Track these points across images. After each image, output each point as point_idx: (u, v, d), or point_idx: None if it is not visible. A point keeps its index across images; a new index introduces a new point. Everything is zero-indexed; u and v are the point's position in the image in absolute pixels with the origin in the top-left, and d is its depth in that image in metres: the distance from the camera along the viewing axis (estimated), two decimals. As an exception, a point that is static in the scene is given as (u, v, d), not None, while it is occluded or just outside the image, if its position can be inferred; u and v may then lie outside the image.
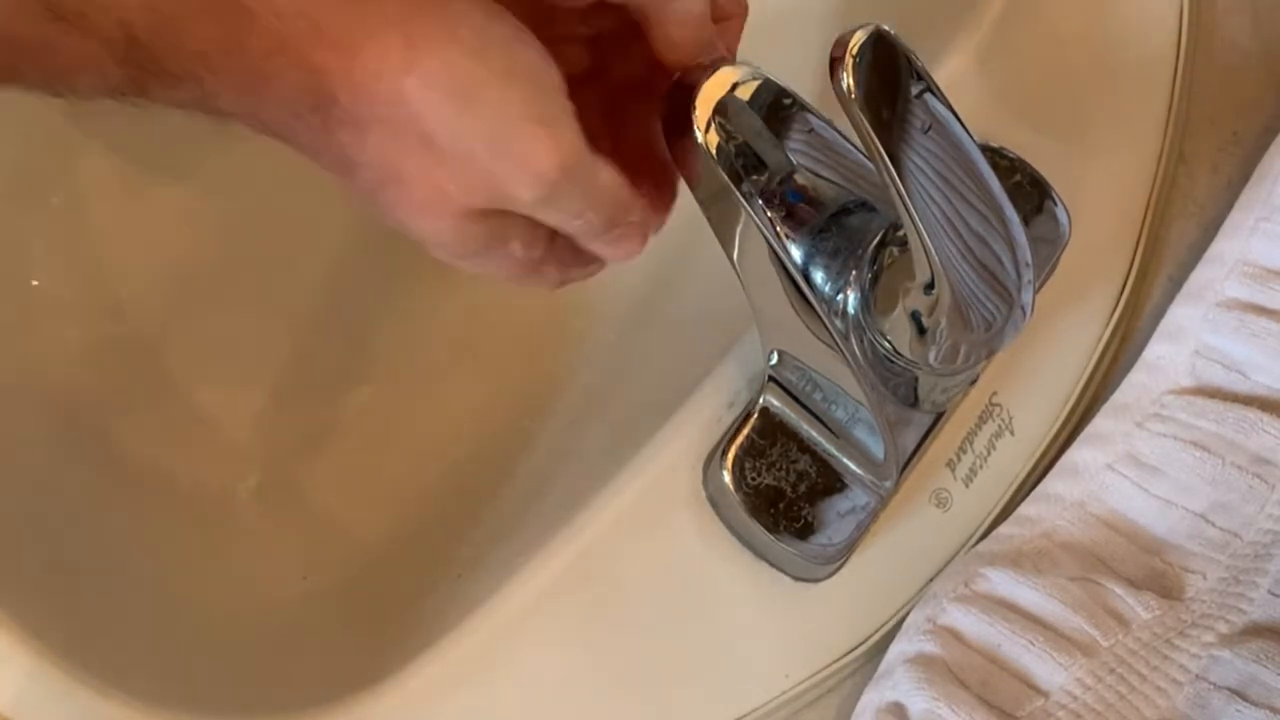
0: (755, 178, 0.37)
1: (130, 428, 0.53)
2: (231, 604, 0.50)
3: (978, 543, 0.45)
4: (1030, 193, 0.43)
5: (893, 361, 0.38)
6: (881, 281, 0.37)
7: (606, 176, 0.35)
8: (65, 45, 0.30)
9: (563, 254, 0.38)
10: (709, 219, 0.39)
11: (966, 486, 0.45)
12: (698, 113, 0.36)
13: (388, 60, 0.32)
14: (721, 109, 0.36)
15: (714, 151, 0.36)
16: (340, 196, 0.57)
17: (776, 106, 0.37)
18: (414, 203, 0.34)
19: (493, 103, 0.32)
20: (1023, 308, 0.36)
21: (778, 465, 0.43)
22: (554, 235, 0.37)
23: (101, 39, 0.30)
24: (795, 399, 0.42)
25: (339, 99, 0.32)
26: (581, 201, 0.35)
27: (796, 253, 0.37)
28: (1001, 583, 0.43)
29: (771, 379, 0.43)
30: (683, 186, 0.40)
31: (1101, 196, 0.48)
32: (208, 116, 0.33)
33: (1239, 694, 0.40)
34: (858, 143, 0.35)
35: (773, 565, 0.44)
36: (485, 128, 0.32)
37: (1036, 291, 0.37)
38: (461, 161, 0.33)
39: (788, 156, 0.37)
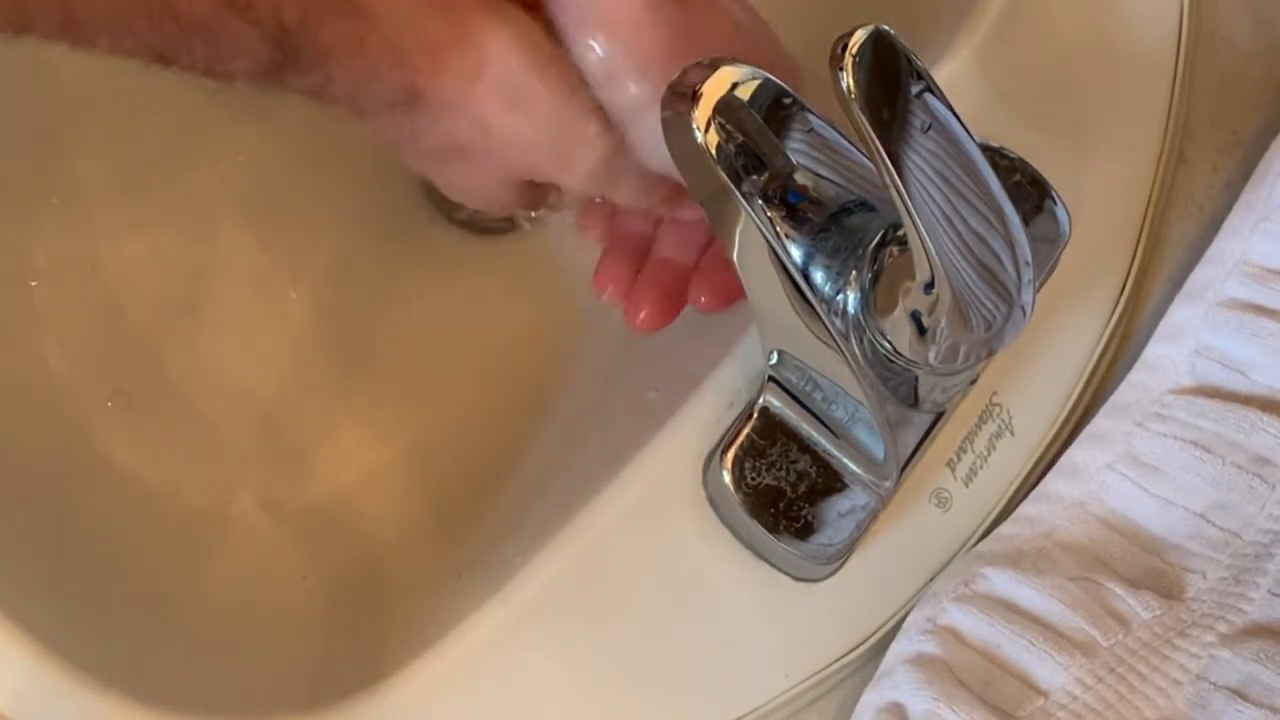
0: (755, 178, 0.37)
1: (130, 428, 0.53)
2: (231, 604, 0.50)
3: (978, 543, 0.45)
4: (1030, 192, 0.43)
5: (893, 361, 0.38)
6: (881, 281, 0.37)
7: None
8: (233, 29, 0.36)
9: None
10: (709, 219, 0.39)
11: (966, 486, 0.45)
12: (698, 112, 0.36)
13: (465, 66, 0.39)
14: (721, 109, 0.36)
15: (714, 151, 0.36)
16: (340, 198, 0.57)
17: (776, 106, 0.37)
18: (469, 170, 0.42)
19: (537, 108, 0.40)
20: (1023, 308, 0.36)
21: (778, 465, 0.43)
22: None
23: (261, 27, 0.36)
24: (795, 399, 0.42)
25: (425, 93, 0.39)
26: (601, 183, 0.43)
27: (796, 253, 0.37)
28: (1001, 583, 0.42)
29: (771, 379, 0.43)
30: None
31: (1101, 196, 0.48)
32: (315, 101, 0.39)
33: (1239, 694, 0.40)
34: (858, 143, 0.34)
35: (773, 565, 0.44)
36: (529, 127, 0.40)
37: (1036, 291, 0.37)
38: (510, 147, 0.41)
39: (788, 156, 0.37)
